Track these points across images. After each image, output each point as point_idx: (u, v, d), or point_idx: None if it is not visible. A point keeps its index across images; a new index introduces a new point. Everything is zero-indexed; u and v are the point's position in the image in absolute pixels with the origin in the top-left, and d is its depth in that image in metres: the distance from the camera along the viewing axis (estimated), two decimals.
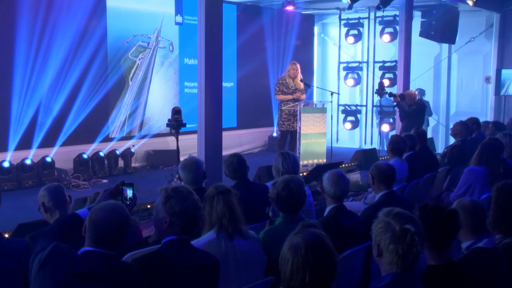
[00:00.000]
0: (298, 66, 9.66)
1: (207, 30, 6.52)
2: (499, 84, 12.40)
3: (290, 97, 9.47)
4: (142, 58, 10.43)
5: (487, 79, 12.88)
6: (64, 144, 9.05)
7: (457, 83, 13.41)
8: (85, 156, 9.01)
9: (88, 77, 9.41)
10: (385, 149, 8.37)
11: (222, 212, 3.32)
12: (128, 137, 10.20)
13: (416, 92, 10.84)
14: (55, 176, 8.46)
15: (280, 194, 3.71)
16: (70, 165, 8.86)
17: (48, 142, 8.87)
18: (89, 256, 2.62)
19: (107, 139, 9.82)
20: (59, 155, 8.82)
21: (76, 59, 9.19)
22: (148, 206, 5.95)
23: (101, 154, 9.26)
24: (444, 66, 13.49)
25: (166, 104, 10.69)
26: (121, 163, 9.57)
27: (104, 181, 8.80)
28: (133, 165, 9.72)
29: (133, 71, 10.29)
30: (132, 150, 9.78)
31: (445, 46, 13.28)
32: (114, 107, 10.00)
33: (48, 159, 8.53)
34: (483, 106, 13.04)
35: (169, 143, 10.00)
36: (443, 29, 12.00)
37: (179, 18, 11.03)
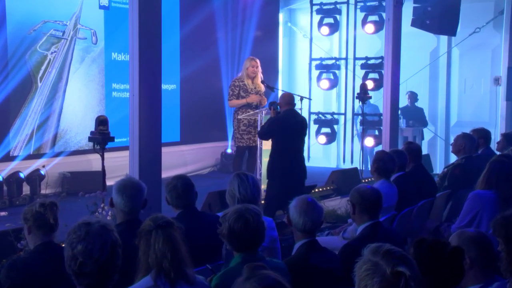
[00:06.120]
0: (258, 62, 9.71)
1: (142, 17, 6.51)
2: (511, 87, 12.64)
3: (244, 101, 9.52)
4: (55, 51, 10.32)
5: (497, 80, 13.11)
6: None
7: (458, 85, 13.66)
8: None
9: None
10: (369, 169, 8.51)
11: (162, 252, 3.30)
12: (37, 155, 10.05)
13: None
14: None
15: (233, 229, 3.71)
16: None
17: None
18: None
19: (8, 157, 9.65)
20: None
21: None
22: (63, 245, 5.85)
23: None
24: (442, 64, 13.74)
25: (88, 112, 10.60)
26: (26, 189, 9.40)
27: (3, 213, 8.60)
28: (43, 191, 9.54)
29: (43, 68, 10.16)
30: (42, 172, 9.62)
31: (444, 38, 13.54)
32: (17, 115, 9.84)
33: None
34: (491, 114, 13.26)
35: (92, 162, 9.91)
36: (441, 17, 12.19)
37: (104, 0, 10.98)
